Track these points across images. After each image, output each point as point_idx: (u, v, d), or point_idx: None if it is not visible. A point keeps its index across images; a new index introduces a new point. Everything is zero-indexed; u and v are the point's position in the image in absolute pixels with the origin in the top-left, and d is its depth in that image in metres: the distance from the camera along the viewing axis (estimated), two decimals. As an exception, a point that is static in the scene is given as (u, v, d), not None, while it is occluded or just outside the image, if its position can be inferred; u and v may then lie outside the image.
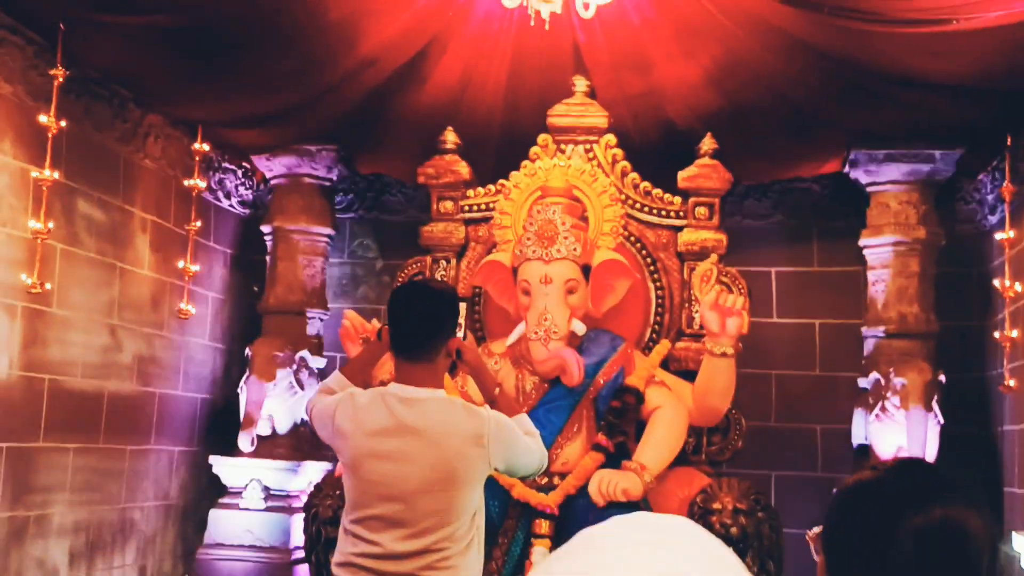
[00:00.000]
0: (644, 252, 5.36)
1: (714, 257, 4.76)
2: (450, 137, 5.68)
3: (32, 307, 5.41)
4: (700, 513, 4.20)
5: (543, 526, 4.32)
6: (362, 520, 2.95)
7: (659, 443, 4.41)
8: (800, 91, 5.85)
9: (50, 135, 5.12)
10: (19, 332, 5.35)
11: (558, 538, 4.29)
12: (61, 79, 5.13)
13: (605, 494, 4.10)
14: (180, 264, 6.68)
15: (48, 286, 5.35)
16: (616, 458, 4.45)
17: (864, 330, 6.75)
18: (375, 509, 2.91)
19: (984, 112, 5.76)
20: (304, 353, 7.16)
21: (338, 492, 4.33)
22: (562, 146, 5.45)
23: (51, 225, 5.17)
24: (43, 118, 5.14)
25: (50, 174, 5.12)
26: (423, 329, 3.04)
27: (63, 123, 5.25)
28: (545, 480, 4.52)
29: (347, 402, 3.06)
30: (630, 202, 5.36)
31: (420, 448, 2.90)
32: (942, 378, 6.31)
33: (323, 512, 4.32)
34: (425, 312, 3.04)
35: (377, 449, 2.93)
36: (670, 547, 1.20)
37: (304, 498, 7.07)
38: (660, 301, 5.29)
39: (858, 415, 6.58)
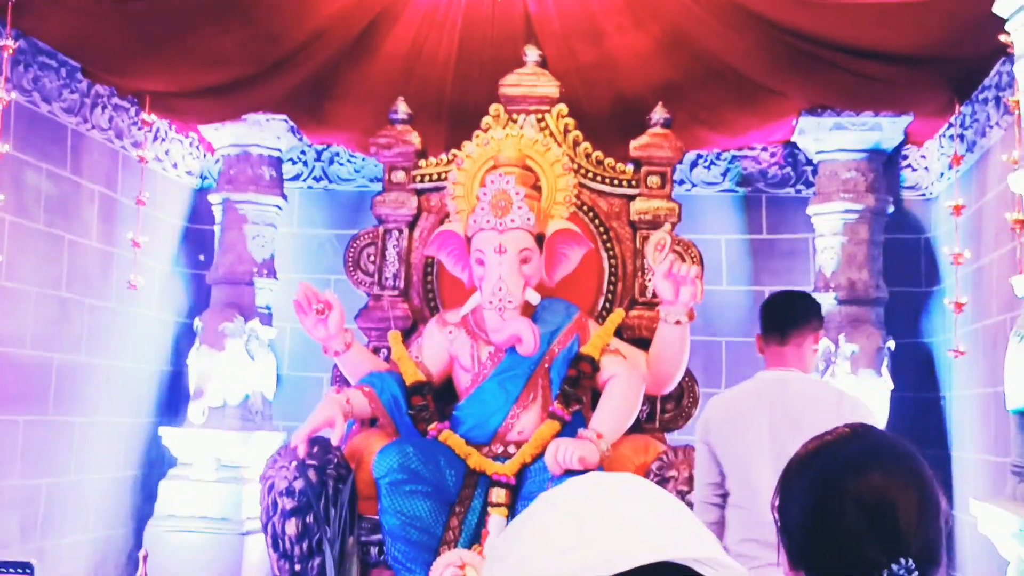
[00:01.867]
0: (597, 221, 5.38)
1: (668, 226, 4.78)
2: (401, 107, 5.65)
3: (-20, 280, 5.34)
4: (656, 481, 4.23)
5: (500, 495, 4.34)
6: None
7: (615, 411, 4.45)
8: (749, 61, 5.88)
9: (0, 107, 5.02)
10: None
11: (515, 507, 4.32)
12: (12, 51, 5.02)
13: (562, 462, 4.13)
14: (129, 236, 6.60)
15: (1, 258, 5.27)
16: (572, 427, 4.47)
17: (814, 296, 6.83)
18: None
19: (931, 80, 5.84)
20: (254, 323, 7.12)
21: (293, 463, 4.32)
22: (514, 116, 5.44)
23: (2, 197, 5.08)
24: (-8, 90, 5.05)
25: (1, 146, 5.02)
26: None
27: (12, 95, 5.15)
28: (501, 449, 4.55)
29: None
30: (582, 171, 5.37)
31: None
32: (891, 344, 6.42)
33: (279, 483, 4.31)
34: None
35: None
36: (629, 499, 1.22)
37: (254, 469, 7.08)
38: (613, 270, 5.32)
39: (808, 380, 6.68)
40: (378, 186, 7.76)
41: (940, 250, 6.98)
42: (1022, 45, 3.40)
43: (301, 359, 7.73)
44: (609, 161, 5.42)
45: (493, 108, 5.45)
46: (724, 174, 7.67)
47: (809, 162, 7.14)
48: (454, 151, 5.36)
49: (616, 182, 5.42)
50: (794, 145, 7.11)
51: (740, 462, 3.44)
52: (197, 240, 7.80)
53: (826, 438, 1.61)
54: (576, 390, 4.59)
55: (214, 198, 7.42)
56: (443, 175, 5.41)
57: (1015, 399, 3.43)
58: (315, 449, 4.34)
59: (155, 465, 7.23)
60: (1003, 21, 4.17)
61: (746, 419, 3.45)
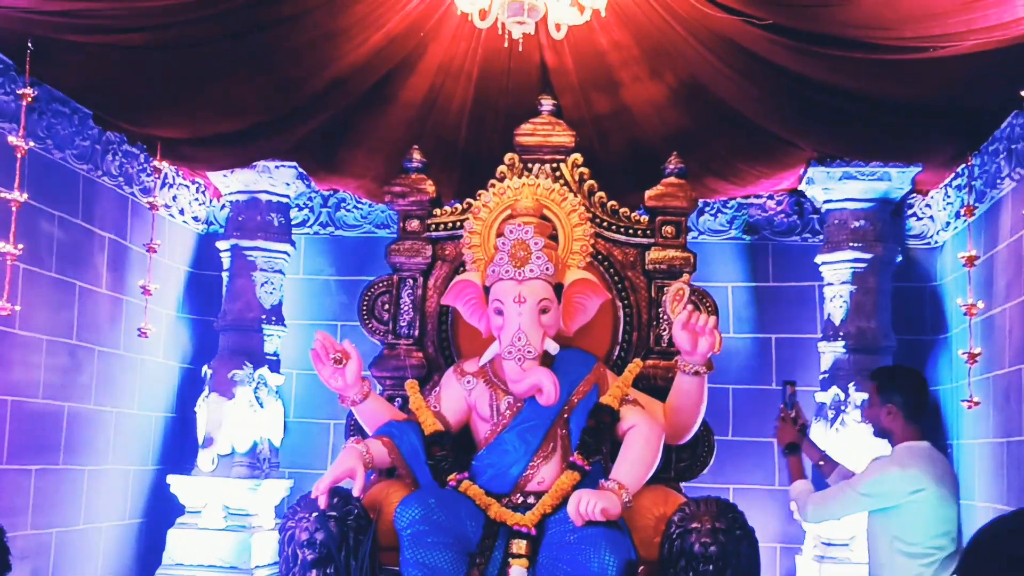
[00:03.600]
0: (612, 271, 5.38)
1: (686, 276, 4.79)
2: (416, 156, 5.66)
3: (-6, 328, 5.33)
4: (678, 532, 4.22)
5: (520, 546, 4.30)
6: None
7: (636, 462, 4.42)
8: (763, 111, 5.94)
9: (19, 156, 5.04)
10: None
11: (535, 557, 4.29)
12: (30, 99, 5.05)
13: (584, 513, 4.10)
14: (139, 283, 6.59)
15: (16, 308, 5.26)
16: (592, 477, 4.45)
17: (822, 345, 6.86)
18: None
19: (942, 131, 5.89)
20: (263, 371, 7.11)
21: (313, 514, 4.29)
22: (528, 165, 5.45)
23: (21, 247, 5.09)
24: (12, 138, 5.05)
25: (19, 195, 5.03)
26: None
27: (30, 144, 5.17)
28: (521, 499, 4.52)
29: None
30: (597, 221, 5.38)
31: None
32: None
33: (299, 534, 4.27)
34: None
35: None
36: None
37: (263, 516, 7.05)
38: (628, 319, 5.32)
39: (816, 429, 6.69)
40: (385, 232, 7.80)
41: (947, 299, 7.02)
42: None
43: (307, 405, 7.72)
44: (624, 210, 5.44)
45: (508, 157, 5.47)
46: (730, 222, 7.71)
47: (815, 210, 7.19)
48: (468, 199, 5.38)
49: (631, 231, 5.43)
50: (800, 193, 7.16)
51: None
52: (202, 286, 7.81)
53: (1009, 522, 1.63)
54: (596, 440, 4.57)
55: (222, 244, 7.43)
56: (458, 224, 5.42)
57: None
58: (335, 500, 4.30)
59: (161, 513, 7.18)
60: (1019, 75, 4.22)
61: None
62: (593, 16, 4.73)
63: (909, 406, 4.30)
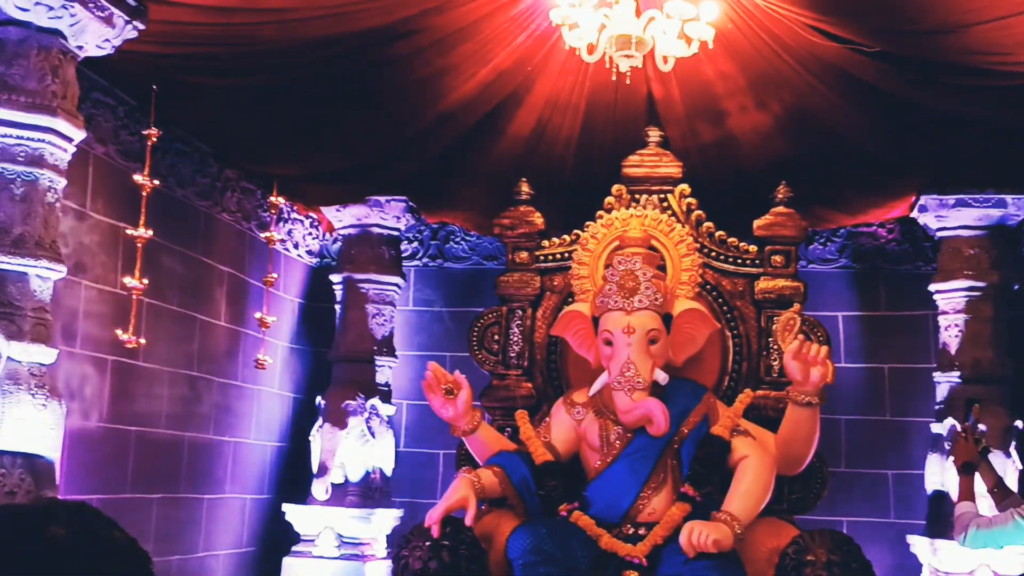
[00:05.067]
0: (721, 300, 5.37)
1: (797, 306, 4.76)
2: (524, 188, 5.73)
3: (121, 360, 5.53)
4: (793, 565, 4.18)
5: (632, 576, 4.31)
6: None
7: (748, 493, 4.40)
8: (872, 138, 5.88)
9: (144, 194, 5.24)
10: (108, 385, 5.46)
11: (647, 588, 4.29)
12: (155, 139, 5.26)
13: (696, 544, 4.09)
14: (256, 315, 6.79)
15: (142, 341, 5.46)
16: (702, 508, 4.44)
17: (937, 375, 6.73)
18: None
19: (1059, 157, 5.77)
20: (375, 401, 7.23)
21: (427, 544, 4.36)
22: (636, 196, 5.48)
23: (146, 281, 5.28)
24: (138, 177, 5.26)
25: (144, 232, 5.23)
26: None
27: (156, 182, 5.38)
28: (632, 530, 4.52)
29: None
30: (705, 251, 5.38)
31: None
32: (1019, 423, 6.27)
33: (413, 563, 4.34)
34: None
35: None
36: None
37: (375, 545, 7.16)
38: (738, 349, 5.29)
39: (932, 461, 6.55)
40: (493, 264, 7.89)
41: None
42: None
43: (418, 435, 7.82)
44: (732, 240, 5.43)
45: (615, 188, 5.50)
46: (840, 250, 7.62)
47: (928, 238, 7.07)
48: (576, 231, 5.42)
49: (740, 261, 5.41)
50: (911, 221, 7.05)
51: None
52: (316, 318, 7.98)
53: None
54: (707, 471, 4.56)
55: (335, 277, 7.60)
56: (566, 255, 5.46)
57: None
58: (448, 529, 4.36)
59: (276, 541, 7.33)
60: None
61: None
62: (700, 48, 4.76)
63: None
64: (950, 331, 6.69)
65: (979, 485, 4.61)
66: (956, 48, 4.60)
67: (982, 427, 4.53)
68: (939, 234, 6.77)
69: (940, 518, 6.43)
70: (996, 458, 6.11)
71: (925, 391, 6.99)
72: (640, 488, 4.59)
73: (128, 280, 5.25)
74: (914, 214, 6.86)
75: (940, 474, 6.43)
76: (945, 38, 4.51)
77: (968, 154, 5.92)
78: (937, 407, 6.71)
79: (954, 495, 6.21)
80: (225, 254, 6.74)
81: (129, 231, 5.30)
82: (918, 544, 6.55)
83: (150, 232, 5.35)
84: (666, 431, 4.56)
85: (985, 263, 6.60)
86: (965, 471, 4.52)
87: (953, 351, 6.63)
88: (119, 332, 5.26)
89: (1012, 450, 6.25)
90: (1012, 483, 6.17)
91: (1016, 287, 6.74)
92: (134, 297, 5.27)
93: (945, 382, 6.68)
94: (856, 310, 7.61)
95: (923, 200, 6.64)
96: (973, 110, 5.28)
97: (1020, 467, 6.27)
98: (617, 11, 4.60)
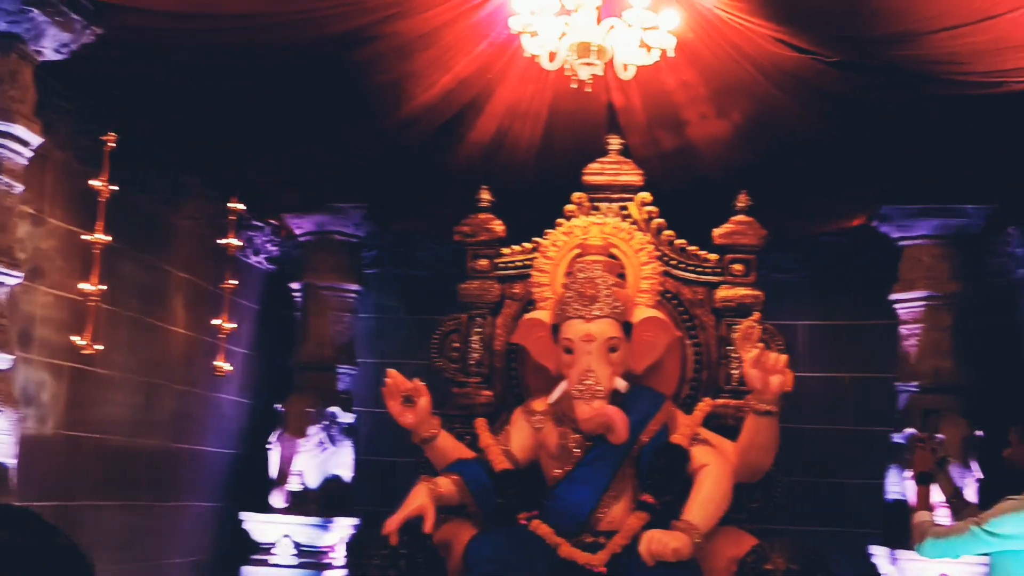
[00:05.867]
0: (681, 309, 5.37)
1: (756, 314, 4.77)
2: (485, 195, 5.71)
3: (77, 367, 5.45)
4: (752, 573, 4.18)
5: (590, 585, 4.29)
6: None
7: (707, 501, 4.39)
8: (833, 148, 5.91)
9: (101, 199, 5.18)
10: (65, 392, 5.39)
11: (605, 597, 4.28)
12: (113, 144, 5.20)
13: (655, 553, 4.08)
14: (214, 322, 6.72)
15: (99, 347, 5.39)
16: (661, 517, 4.43)
17: (898, 385, 6.76)
18: None
19: (1018, 167, 5.81)
20: (334, 409, 7.18)
21: (384, 552, 4.32)
22: (596, 204, 5.48)
23: (103, 287, 5.22)
24: (95, 183, 5.20)
25: (102, 237, 5.17)
26: None
27: (114, 187, 5.32)
28: (591, 539, 4.51)
29: None
30: (666, 259, 5.37)
31: None
32: (979, 432, 6.31)
33: (371, 572, 4.30)
34: None
35: None
36: None
37: (334, 553, 7.10)
38: (698, 358, 5.30)
39: (893, 470, 6.58)
40: (455, 272, 7.85)
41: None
42: None
43: (378, 444, 7.77)
44: (693, 248, 5.43)
45: (576, 196, 5.49)
46: (801, 259, 7.65)
47: (889, 247, 7.11)
48: (536, 239, 5.41)
49: (700, 270, 5.42)
50: (872, 230, 7.08)
51: None
52: (276, 325, 7.92)
53: None
54: (666, 480, 4.55)
55: (295, 284, 7.54)
56: (527, 263, 5.45)
57: None
58: (406, 538, 4.32)
59: (234, 549, 7.26)
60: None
61: None
62: (661, 56, 4.76)
63: None
64: (910, 340, 6.73)
65: (940, 495, 4.63)
66: (913, 57, 4.63)
67: (940, 436, 4.55)
68: (900, 243, 6.81)
69: (899, 528, 6.45)
70: (956, 468, 6.16)
71: (886, 400, 7.02)
72: (599, 497, 4.57)
73: (85, 286, 5.18)
74: (875, 223, 6.90)
75: (899, 483, 6.45)
76: (902, 47, 4.54)
77: (929, 163, 5.96)
78: (897, 416, 6.75)
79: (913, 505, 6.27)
80: (184, 260, 6.68)
81: (86, 236, 5.24)
82: (878, 554, 6.58)
83: (108, 238, 5.28)
84: (625, 439, 4.55)
85: (945, 273, 6.65)
86: (922, 481, 4.55)
87: (913, 360, 6.67)
88: (75, 338, 5.19)
89: (972, 460, 6.28)
90: (972, 493, 6.21)
91: (977, 296, 6.79)
92: (91, 303, 5.20)
93: (905, 391, 6.72)
94: (816, 319, 7.64)
95: (884, 209, 6.68)
96: (932, 119, 5.32)
97: (980, 477, 6.31)
98: (577, 19, 4.59)
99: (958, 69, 4.67)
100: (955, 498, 4.60)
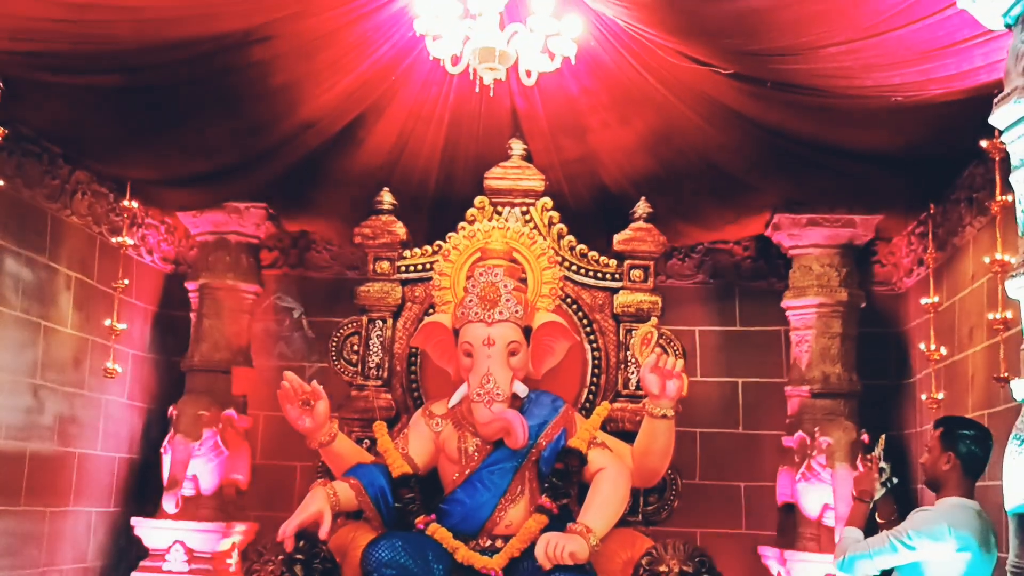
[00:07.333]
0: (580, 314, 5.43)
1: (654, 320, 4.84)
2: (386, 198, 5.70)
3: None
4: (646, 575, 4.24)
5: (488, 589, 4.31)
6: None
7: (604, 505, 4.44)
8: (730, 158, 6.02)
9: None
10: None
11: (502, 601, 4.30)
12: (0, 138, 5.03)
13: (552, 557, 4.12)
14: (106, 322, 6.56)
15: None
16: (559, 520, 4.46)
17: (788, 389, 6.91)
18: None
19: (906, 180, 5.98)
20: (230, 412, 7.06)
21: (279, 557, 4.27)
22: (499, 208, 5.51)
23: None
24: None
25: (-16, 234, 5.02)
26: None
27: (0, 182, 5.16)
28: (488, 543, 4.53)
29: None
30: (566, 264, 5.44)
31: None
32: (865, 437, 6.47)
33: (265, 578, 4.25)
34: None
35: None
36: None
37: (228, 560, 6.99)
38: (596, 362, 5.36)
39: (783, 473, 6.71)
40: (355, 274, 7.79)
41: (911, 344, 7.09)
42: (1018, 155, 3.51)
43: (274, 448, 7.66)
44: (593, 254, 5.50)
45: (478, 200, 5.52)
46: (697, 266, 7.77)
47: (781, 255, 7.25)
48: (438, 242, 5.41)
49: (599, 275, 5.49)
50: (766, 238, 7.23)
51: None
52: (170, 326, 7.76)
53: None
54: (564, 483, 4.59)
55: (191, 284, 7.40)
56: (428, 266, 5.46)
57: (1013, 500, 3.47)
58: (301, 543, 4.29)
59: (124, 556, 7.10)
60: (978, 125, 4.27)
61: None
62: (563, 63, 4.80)
63: (969, 460, 4.13)
64: (801, 346, 6.88)
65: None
66: (805, 71, 4.73)
67: (880, 449, 4.61)
68: (791, 252, 6.96)
69: (789, 529, 6.59)
70: (843, 470, 6.32)
71: (777, 405, 7.16)
72: (498, 500, 4.60)
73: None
74: (768, 232, 7.04)
75: (789, 486, 6.59)
76: (795, 59, 4.64)
77: (819, 175, 6.10)
78: (788, 420, 6.89)
79: (805, 508, 6.41)
80: (73, 258, 6.50)
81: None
82: (768, 554, 6.70)
83: (-10, 234, 5.13)
84: (524, 444, 4.59)
85: (834, 280, 6.81)
86: (862, 500, 4.52)
87: (803, 366, 6.82)
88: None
89: (859, 462, 6.44)
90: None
91: (864, 305, 6.97)
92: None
93: (796, 396, 6.86)
94: (712, 325, 7.77)
95: (776, 219, 6.82)
96: (822, 131, 5.44)
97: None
98: (481, 23, 4.60)
99: (847, 83, 4.79)
100: (893, 517, 4.60)
